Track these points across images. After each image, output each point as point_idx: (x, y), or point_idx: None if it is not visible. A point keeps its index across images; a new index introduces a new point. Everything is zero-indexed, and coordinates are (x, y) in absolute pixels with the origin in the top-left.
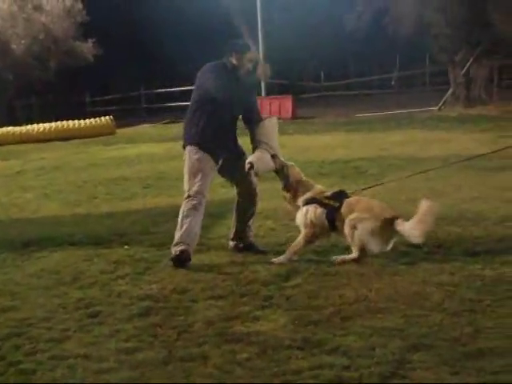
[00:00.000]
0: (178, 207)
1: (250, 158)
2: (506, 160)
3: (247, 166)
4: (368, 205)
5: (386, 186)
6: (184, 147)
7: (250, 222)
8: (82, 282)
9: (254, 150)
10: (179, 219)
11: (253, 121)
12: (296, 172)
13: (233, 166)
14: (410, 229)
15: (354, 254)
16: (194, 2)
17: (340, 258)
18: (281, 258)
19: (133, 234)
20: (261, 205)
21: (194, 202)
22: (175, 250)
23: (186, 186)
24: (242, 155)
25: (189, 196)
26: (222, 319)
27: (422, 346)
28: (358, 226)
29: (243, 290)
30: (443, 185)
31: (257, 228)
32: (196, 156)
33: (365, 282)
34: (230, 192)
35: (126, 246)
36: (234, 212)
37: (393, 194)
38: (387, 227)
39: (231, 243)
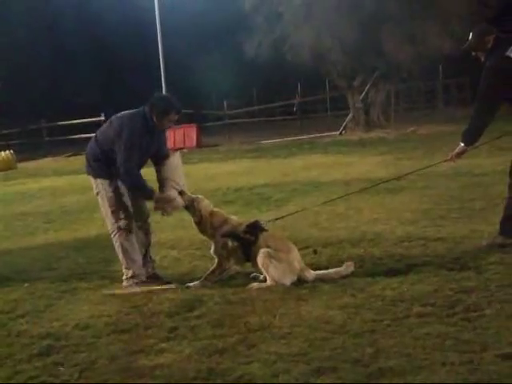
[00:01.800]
0: (81, 241)
1: (155, 203)
2: (403, 182)
3: (157, 210)
4: (281, 244)
5: (291, 210)
6: (94, 177)
7: (150, 253)
8: None
9: (160, 187)
10: (121, 254)
11: (159, 159)
12: (206, 204)
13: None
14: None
15: (269, 283)
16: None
17: (256, 285)
18: (197, 284)
19: (33, 270)
20: (165, 235)
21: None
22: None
23: (112, 219)
24: None
25: (119, 228)
26: (126, 354)
27: (325, 369)
28: (270, 268)
29: (147, 323)
30: (345, 208)
31: (161, 259)
32: (111, 188)
33: (269, 308)
34: None
35: (25, 284)
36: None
37: (296, 219)
38: (295, 265)
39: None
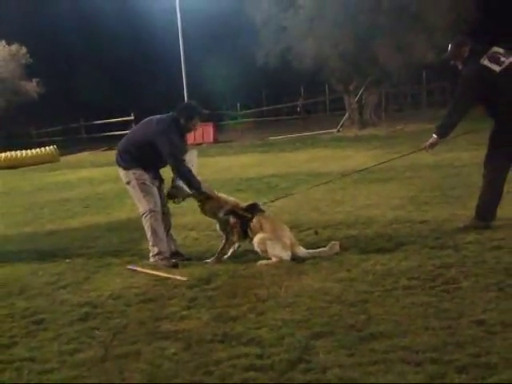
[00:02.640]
0: (114, 223)
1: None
2: (392, 172)
3: (169, 194)
4: (274, 224)
5: (294, 197)
6: (125, 169)
7: (171, 232)
8: (28, 293)
9: (173, 178)
10: (150, 233)
11: None
12: (211, 189)
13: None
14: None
15: (274, 260)
16: (125, 43)
17: (264, 262)
18: (212, 260)
19: (74, 248)
20: (187, 218)
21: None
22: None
23: (144, 203)
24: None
25: (150, 211)
26: (153, 320)
27: (324, 333)
28: (268, 249)
29: (171, 293)
30: (342, 195)
31: (183, 239)
32: (142, 178)
33: (276, 281)
34: None
35: (67, 260)
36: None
37: (300, 204)
38: (286, 242)
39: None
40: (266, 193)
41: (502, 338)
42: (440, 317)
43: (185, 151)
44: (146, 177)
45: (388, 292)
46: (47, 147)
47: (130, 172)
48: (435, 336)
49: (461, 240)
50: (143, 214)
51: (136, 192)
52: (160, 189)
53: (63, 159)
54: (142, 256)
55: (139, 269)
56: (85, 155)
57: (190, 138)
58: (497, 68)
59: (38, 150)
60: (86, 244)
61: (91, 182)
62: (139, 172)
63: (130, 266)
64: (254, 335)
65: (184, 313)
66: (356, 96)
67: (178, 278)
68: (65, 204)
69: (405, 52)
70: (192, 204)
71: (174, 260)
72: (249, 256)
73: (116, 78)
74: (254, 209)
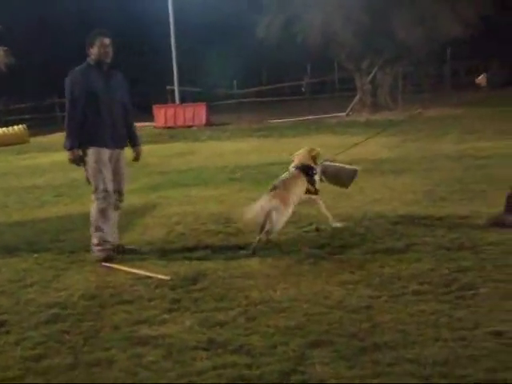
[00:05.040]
0: (89, 215)
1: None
2: (407, 163)
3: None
4: None
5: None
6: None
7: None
8: None
9: None
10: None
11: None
12: None
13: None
14: None
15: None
16: (106, 13)
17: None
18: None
19: (42, 242)
20: (172, 210)
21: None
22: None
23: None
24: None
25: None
26: (130, 323)
27: (322, 342)
28: None
29: (151, 295)
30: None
31: (167, 233)
32: (94, 157)
33: (270, 283)
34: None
35: (35, 255)
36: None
37: None
38: None
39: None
40: (264, 183)
41: None
42: (453, 327)
43: (114, 98)
44: (97, 154)
45: (395, 298)
46: (15, 126)
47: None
48: (446, 348)
49: (481, 241)
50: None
51: (89, 174)
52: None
53: (33, 140)
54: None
55: (116, 266)
56: (58, 136)
57: (180, 120)
58: None
59: (4, 129)
60: (57, 237)
61: (64, 168)
62: (92, 149)
63: (105, 263)
64: (243, 342)
65: (165, 316)
66: (369, 75)
67: (160, 276)
68: (34, 191)
69: (426, 25)
70: (179, 196)
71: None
72: (241, 253)
73: None
74: None
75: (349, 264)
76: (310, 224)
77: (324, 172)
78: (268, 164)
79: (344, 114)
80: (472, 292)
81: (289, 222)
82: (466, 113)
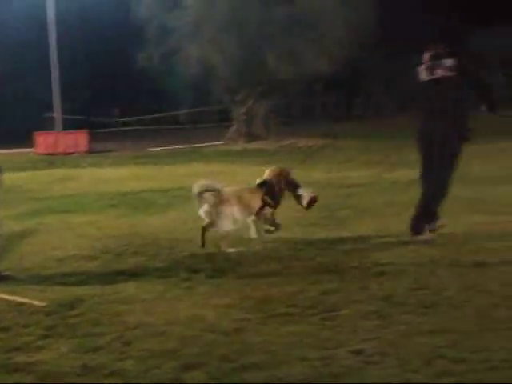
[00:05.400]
0: None
1: None
2: None
3: None
4: None
5: (169, 214)
6: None
7: None
8: None
9: None
10: None
11: None
12: None
13: None
14: None
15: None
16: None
17: None
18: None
19: None
20: (49, 236)
21: None
22: None
23: None
24: None
25: None
26: (5, 350)
27: (195, 364)
28: None
29: (27, 321)
30: None
31: (44, 259)
32: None
33: (146, 307)
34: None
35: None
36: None
37: (177, 224)
38: None
39: None
40: (141, 209)
41: (380, 368)
42: (318, 346)
43: None
44: None
45: (266, 320)
46: None
47: None
48: (311, 367)
49: (346, 264)
50: None
51: None
52: None
53: None
54: None
55: None
56: None
57: (61, 146)
58: None
59: None
60: None
61: None
62: None
63: None
64: (118, 367)
65: (40, 343)
66: (244, 106)
67: (35, 303)
68: None
69: (296, 62)
70: (57, 222)
71: None
72: (118, 278)
73: None
74: None
75: (223, 288)
76: (186, 249)
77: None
78: (147, 191)
79: (221, 142)
80: (336, 313)
81: (165, 247)
82: (331, 143)
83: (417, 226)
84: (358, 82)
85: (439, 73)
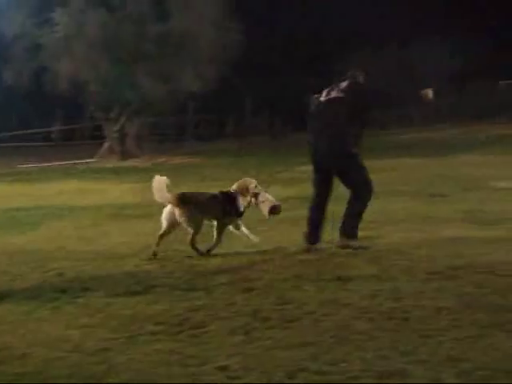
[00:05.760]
0: None
1: None
2: (151, 208)
3: None
4: None
5: (41, 232)
6: None
7: None
8: None
9: None
10: None
11: None
12: None
13: None
14: None
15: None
16: None
17: None
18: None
19: None
20: None
21: None
22: None
23: None
24: None
25: None
26: None
27: None
28: None
29: None
30: (93, 232)
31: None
32: None
33: (10, 329)
34: None
35: None
36: None
37: (46, 243)
38: None
39: None
40: (9, 228)
41: (244, 383)
42: (184, 363)
43: None
44: None
45: (132, 338)
46: None
47: None
48: None
49: (213, 281)
50: None
51: None
52: None
53: None
54: None
55: None
56: None
57: None
58: None
59: None
60: None
61: None
62: None
63: None
64: None
65: None
66: (117, 124)
67: None
68: None
69: (170, 80)
70: None
71: None
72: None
73: None
74: None
75: (90, 307)
76: (55, 268)
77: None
78: (14, 209)
79: (93, 160)
80: (202, 330)
81: (33, 267)
82: (203, 162)
83: (348, 231)
84: (230, 100)
85: (332, 94)
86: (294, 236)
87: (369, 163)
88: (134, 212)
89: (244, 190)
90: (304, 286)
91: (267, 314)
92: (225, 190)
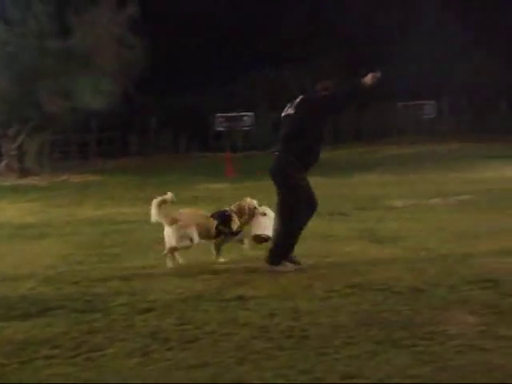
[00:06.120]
0: None
1: None
2: (50, 228)
3: None
4: None
5: None
6: None
7: None
8: None
9: None
10: None
11: None
12: None
13: None
14: None
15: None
16: None
17: None
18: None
19: None
20: None
21: None
22: None
23: None
24: None
25: None
26: None
27: None
28: None
29: None
30: None
31: None
32: None
33: None
34: None
35: None
36: None
37: None
38: None
39: None
40: None
41: None
42: None
43: None
44: None
45: (26, 364)
46: None
47: None
48: None
49: (112, 302)
50: None
51: None
52: None
53: None
54: None
55: None
56: None
57: None
58: None
59: None
60: None
61: None
62: None
63: None
64: None
65: None
66: (16, 141)
67: None
68: None
69: (71, 97)
70: None
71: None
72: None
73: None
74: None
75: None
76: None
77: None
78: None
79: None
80: (100, 353)
81: None
82: (106, 180)
83: (273, 259)
84: (133, 118)
85: (289, 110)
86: (196, 255)
87: (270, 183)
88: (31, 232)
89: (242, 210)
90: (204, 306)
91: (166, 334)
92: (222, 209)
